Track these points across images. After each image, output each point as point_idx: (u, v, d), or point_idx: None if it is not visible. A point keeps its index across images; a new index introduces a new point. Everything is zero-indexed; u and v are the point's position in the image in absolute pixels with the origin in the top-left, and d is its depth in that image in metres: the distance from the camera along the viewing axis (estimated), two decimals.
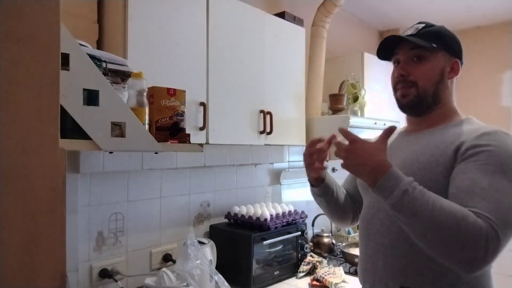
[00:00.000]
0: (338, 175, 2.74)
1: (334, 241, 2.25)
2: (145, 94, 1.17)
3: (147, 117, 1.17)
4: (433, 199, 0.87)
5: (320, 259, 1.96)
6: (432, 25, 1.09)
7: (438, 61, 1.07)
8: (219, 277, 1.46)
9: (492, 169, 0.89)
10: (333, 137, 1.08)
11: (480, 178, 0.89)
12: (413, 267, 0.98)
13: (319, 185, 1.22)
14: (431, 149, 1.01)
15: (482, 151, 0.92)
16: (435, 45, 1.05)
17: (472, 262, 0.82)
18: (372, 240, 1.07)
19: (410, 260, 0.98)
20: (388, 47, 1.12)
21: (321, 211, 2.36)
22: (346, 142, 0.97)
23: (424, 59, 1.07)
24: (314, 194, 1.28)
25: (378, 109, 2.46)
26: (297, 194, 2.45)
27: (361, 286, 1.14)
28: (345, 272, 1.87)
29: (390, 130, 0.99)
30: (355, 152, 0.95)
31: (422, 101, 1.07)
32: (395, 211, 0.89)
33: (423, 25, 1.09)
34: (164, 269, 1.44)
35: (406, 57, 1.08)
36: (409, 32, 1.09)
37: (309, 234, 2.19)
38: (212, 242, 1.70)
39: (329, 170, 2.73)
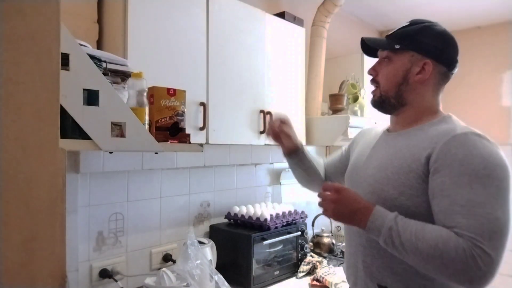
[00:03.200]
0: None
1: (334, 241, 2.25)
2: (145, 94, 1.17)
3: (147, 117, 1.17)
4: (415, 231, 0.88)
5: (320, 259, 1.96)
6: (417, 23, 1.07)
7: (402, 62, 1.06)
8: (219, 277, 1.46)
9: (467, 180, 0.88)
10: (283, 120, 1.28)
11: (456, 193, 0.88)
12: (388, 266, 1.00)
13: (296, 154, 1.33)
14: (404, 154, 1.00)
15: (454, 160, 0.90)
16: (397, 46, 1.05)
17: (473, 281, 0.83)
18: (353, 239, 1.11)
19: (385, 259, 1.00)
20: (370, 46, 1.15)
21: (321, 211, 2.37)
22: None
23: (390, 60, 1.08)
24: (292, 164, 1.38)
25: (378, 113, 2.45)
26: (297, 194, 2.44)
27: (348, 282, 1.18)
28: None
29: None
30: (342, 201, 0.97)
31: (385, 101, 1.10)
32: (388, 247, 0.92)
33: (407, 23, 1.08)
34: (164, 269, 1.44)
35: (380, 57, 1.12)
36: (391, 32, 1.10)
37: (309, 234, 2.19)
38: (212, 242, 1.70)
39: None
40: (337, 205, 0.97)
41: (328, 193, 0.99)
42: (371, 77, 1.14)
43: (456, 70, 1.09)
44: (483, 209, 0.85)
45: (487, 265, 0.82)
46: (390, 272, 1.00)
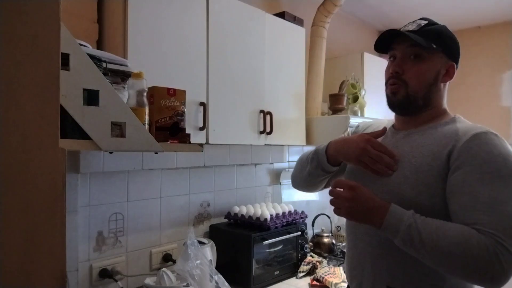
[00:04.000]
0: None
1: (334, 241, 2.25)
2: (145, 94, 1.17)
3: (147, 117, 1.17)
4: (436, 228, 0.87)
5: (320, 259, 1.96)
6: (434, 23, 1.05)
7: (435, 63, 1.02)
8: (219, 277, 1.46)
9: (489, 178, 0.88)
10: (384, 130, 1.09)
11: (478, 191, 0.87)
12: (399, 267, 0.98)
13: (336, 165, 1.14)
14: (423, 152, 0.98)
15: (476, 158, 0.90)
16: (434, 46, 1.00)
17: (494, 279, 0.82)
18: (360, 240, 1.07)
19: (396, 260, 0.98)
20: (386, 40, 1.07)
21: (321, 211, 2.37)
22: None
23: (421, 59, 1.02)
24: (320, 170, 1.16)
25: (378, 109, 2.46)
26: (297, 194, 2.44)
27: (350, 284, 1.14)
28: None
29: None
30: (358, 199, 0.93)
31: (412, 102, 1.03)
32: (405, 246, 0.89)
33: (425, 22, 1.04)
34: (164, 269, 1.44)
35: (403, 53, 1.03)
36: (411, 27, 1.04)
37: (309, 234, 2.19)
38: (212, 242, 1.70)
39: None
40: (351, 203, 0.93)
41: (341, 190, 0.95)
42: (393, 75, 1.04)
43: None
44: (505, 207, 0.85)
45: (509, 263, 0.82)
46: (402, 273, 0.98)
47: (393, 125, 1.14)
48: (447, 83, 1.07)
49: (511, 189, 0.87)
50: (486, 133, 0.93)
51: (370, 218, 0.93)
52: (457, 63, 1.06)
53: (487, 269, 0.82)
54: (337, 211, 0.96)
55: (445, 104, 1.09)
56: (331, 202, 0.97)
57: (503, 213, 0.85)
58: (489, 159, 0.89)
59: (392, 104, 1.07)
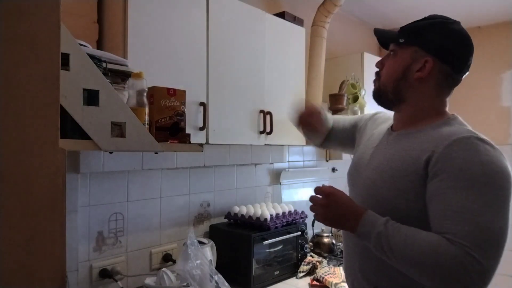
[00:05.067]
0: (338, 175, 2.75)
1: (334, 241, 2.24)
2: (145, 94, 1.18)
3: (147, 117, 1.17)
4: (405, 237, 0.86)
5: (320, 259, 1.96)
6: (430, 19, 1.04)
7: (404, 58, 1.02)
8: (219, 277, 1.46)
9: (463, 186, 0.85)
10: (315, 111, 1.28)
11: (452, 199, 0.85)
12: (385, 270, 0.98)
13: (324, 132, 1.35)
14: (403, 156, 0.98)
15: (453, 165, 0.87)
16: (402, 40, 1.02)
17: None
18: (350, 240, 1.09)
19: (382, 263, 0.96)
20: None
21: None
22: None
23: (395, 54, 1.05)
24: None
25: (378, 109, 2.45)
26: (297, 194, 2.44)
27: (346, 282, 1.18)
28: None
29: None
30: (332, 205, 0.96)
31: (382, 95, 1.09)
32: (378, 253, 0.91)
33: (422, 18, 1.06)
34: (164, 269, 1.44)
35: (389, 50, 1.08)
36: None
37: (309, 234, 2.18)
38: (212, 242, 1.70)
39: (329, 170, 2.73)
40: (326, 209, 0.96)
41: (320, 197, 0.98)
42: (376, 71, 1.12)
43: (466, 73, 1.04)
44: (476, 217, 0.82)
45: (478, 274, 0.80)
46: (386, 275, 0.98)
47: (391, 126, 1.15)
48: (429, 79, 1.00)
49: (486, 198, 0.83)
50: (468, 138, 0.89)
51: (344, 224, 0.96)
52: (444, 59, 0.99)
53: (454, 279, 0.81)
54: (315, 217, 0.99)
55: (436, 104, 1.03)
56: (310, 208, 1.01)
57: (475, 223, 0.82)
58: (465, 167, 0.86)
59: (372, 96, 1.14)
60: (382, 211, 0.94)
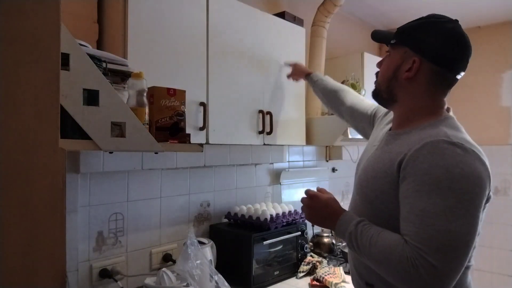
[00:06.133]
0: (338, 175, 2.75)
1: (334, 241, 2.25)
2: (145, 94, 1.17)
3: (147, 117, 1.17)
4: (370, 236, 0.92)
5: (320, 259, 1.96)
6: (423, 19, 1.04)
7: (395, 58, 1.05)
8: (219, 277, 1.46)
9: (427, 190, 0.86)
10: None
11: (415, 202, 0.88)
12: None
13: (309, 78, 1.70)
14: (384, 158, 1.00)
15: (419, 169, 0.88)
16: (393, 41, 1.06)
17: None
18: None
19: None
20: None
21: None
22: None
23: (389, 54, 1.09)
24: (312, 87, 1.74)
25: None
26: (297, 194, 2.44)
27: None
28: (345, 272, 1.87)
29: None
30: (314, 206, 1.07)
31: (377, 94, 1.13)
32: (351, 250, 1.00)
33: (417, 18, 1.07)
34: (164, 269, 1.44)
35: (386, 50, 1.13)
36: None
37: (309, 234, 2.19)
38: (212, 242, 1.70)
39: (329, 170, 2.73)
40: (309, 210, 1.08)
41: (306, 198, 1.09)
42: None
43: (461, 74, 1.03)
44: (435, 220, 0.84)
45: (431, 277, 0.82)
46: (374, 271, 0.99)
47: (390, 126, 1.17)
48: (418, 79, 1.00)
49: (448, 202, 0.84)
50: (437, 142, 0.89)
51: (326, 223, 1.06)
52: (434, 59, 0.98)
53: (405, 279, 0.85)
54: (304, 216, 1.10)
55: (428, 104, 1.02)
56: (301, 209, 1.12)
57: (432, 226, 0.84)
58: (430, 170, 0.87)
59: (371, 96, 1.18)
60: (370, 210, 1.01)
